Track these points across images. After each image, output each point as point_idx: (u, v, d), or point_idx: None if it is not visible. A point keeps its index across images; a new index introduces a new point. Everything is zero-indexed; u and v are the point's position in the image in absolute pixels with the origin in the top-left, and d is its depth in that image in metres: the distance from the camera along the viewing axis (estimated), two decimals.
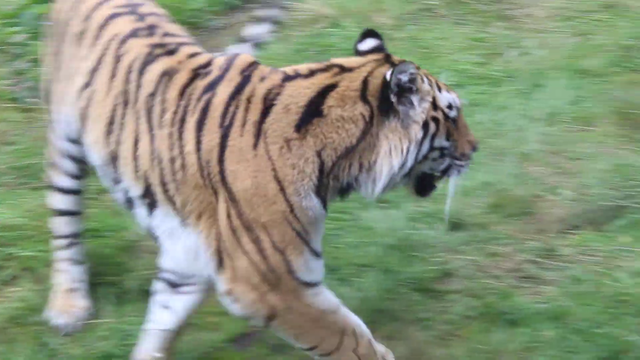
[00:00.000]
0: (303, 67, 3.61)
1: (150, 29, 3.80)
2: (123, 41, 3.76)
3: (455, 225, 4.94)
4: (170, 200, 3.62)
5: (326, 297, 3.67)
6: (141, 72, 3.68)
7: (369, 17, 6.93)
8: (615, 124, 5.81)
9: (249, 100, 3.51)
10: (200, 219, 3.59)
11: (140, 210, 3.75)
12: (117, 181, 3.77)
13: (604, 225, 4.95)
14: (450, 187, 3.72)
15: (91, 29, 3.88)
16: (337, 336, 3.68)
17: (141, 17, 3.86)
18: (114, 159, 3.73)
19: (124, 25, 3.82)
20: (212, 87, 3.55)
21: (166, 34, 3.80)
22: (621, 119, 5.82)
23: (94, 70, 3.80)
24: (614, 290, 4.49)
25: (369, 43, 3.72)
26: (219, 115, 3.50)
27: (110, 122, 3.72)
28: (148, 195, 3.68)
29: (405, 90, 3.50)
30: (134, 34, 3.78)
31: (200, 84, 3.58)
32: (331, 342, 3.68)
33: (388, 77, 3.49)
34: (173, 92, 3.60)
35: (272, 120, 3.47)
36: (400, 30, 6.90)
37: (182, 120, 3.55)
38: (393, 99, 3.50)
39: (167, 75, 3.63)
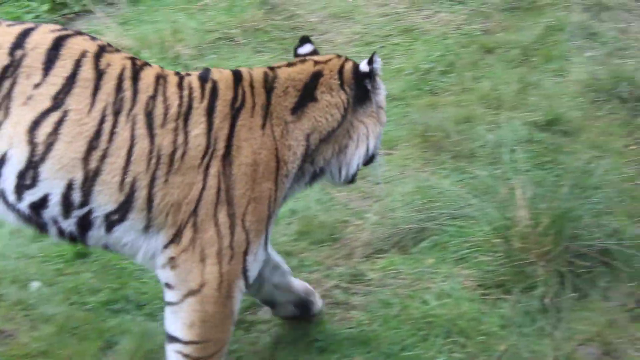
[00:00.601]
0: (279, 63, 4.09)
1: (110, 46, 3.87)
2: (96, 60, 3.74)
3: None
4: (148, 202, 3.71)
5: (238, 305, 3.88)
6: (135, 79, 3.74)
7: (170, 47, 6.86)
8: (416, 147, 5.97)
9: (252, 86, 3.88)
10: (172, 207, 3.74)
11: (97, 231, 3.76)
12: (75, 206, 3.71)
13: (409, 248, 5.05)
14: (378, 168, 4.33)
15: (35, 55, 3.69)
16: (220, 345, 3.89)
17: (91, 37, 3.89)
18: (90, 178, 3.68)
19: (85, 44, 3.77)
20: (206, 79, 3.86)
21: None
22: (422, 142, 5.98)
23: (61, 92, 3.67)
24: (421, 312, 4.57)
25: (308, 47, 4.23)
26: (230, 99, 3.81)
27: (95, 137, 3.67)
28: (122, 208, 3.71)
29: (376, 79, 4.08)
30: (103, 49, 3.80)
31: (192, 79, 3.85)
32: (214, 346, 3.87)
33: (365, 67, 4.04)
34: (172, 89, 3.78)
35: (275, 103, 3.89)
36: (200, 60, 6.86)
37: (189, 111, 3.76)
38: (369, 86, 4.05)
39: (161, 78, 3.79)
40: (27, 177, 3.68)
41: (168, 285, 3.81)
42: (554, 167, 5.60)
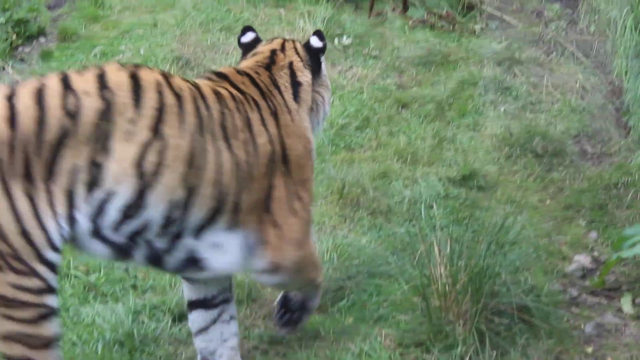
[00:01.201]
0: (252, 62, 4.48)
1: (165, 72, 4.10)
2: (170, 86, 3.93)
3: (180, 316, 4.86)
4: (235, 207, 4.04)
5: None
6: (203, 97, 4.01)
7: None
8: (333, 204, 5.99)
9: (269, 90, 4.33)
10: (248, 213, 4.10)
11: (187, 240, 3.99)
12: (173, 223, 3.92)
13: (327, 307, 5.01)
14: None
15: (123, 94, 3.81)
16: (318, 269, 4.52)
17: (149, 67, 4.11)
18: (189, 195, 3.92)
19: (153, 74, 3.96)
20: (241, 91, 4.22)
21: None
22: (339, 199, 6.00)
23: (156, 122, 3.83)
24: None
25: (250, 36, 4.64)
26: (266, 106, 4.23)
27: (192, 158, 3.91)
28: (213, 214, 4.00)
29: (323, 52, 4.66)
30: (167, 76, 4.01)
31: (234, 91, 4.17)
32: (317, 274, 4.49)
33: (318, 44, 4.60)
34: (230, 103, 4.10)
35: (286, 98, 4.39)
36: None
37: (248, 121, 4.12)
38: (322, 59, 4.66)
39: (217, 93, 4.08)
40: (132, 209, 3.83)
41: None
42: (471, 222, 5.66)
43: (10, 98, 3.66)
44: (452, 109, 7.20)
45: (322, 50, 4.63)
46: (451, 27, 8.59)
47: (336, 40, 8.13)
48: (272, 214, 4.18)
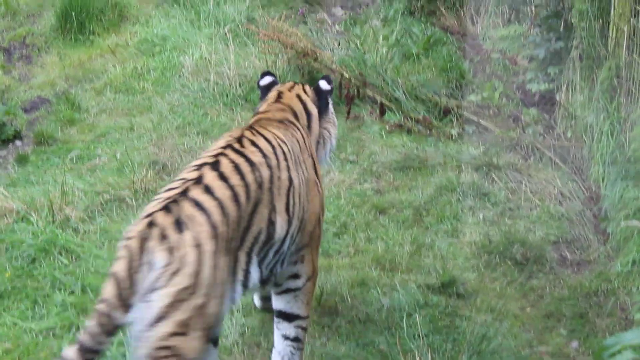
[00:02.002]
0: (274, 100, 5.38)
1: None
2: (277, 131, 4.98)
3: None
4: (301, 222, 4.93)
5: None
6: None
7: (58, 210, 6.76)
8: (311, 311, 5.95)
9: (295, 123, 5.22)
10: (304, 221, 4.97)
11: (286, 254, 4.92)
12: (288, 246, 4.83)
13: None
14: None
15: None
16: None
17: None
18: (294, 221, 4.81)
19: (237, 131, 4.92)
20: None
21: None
22: (317, 306, 5.96)
23: (289, 171, 4.79)
24: None
25: (268, 79, 5.53)
26: (302, 137, 5.17)
27: (290, 188, 4.78)
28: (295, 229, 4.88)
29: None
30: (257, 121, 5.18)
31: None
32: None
33: (327, 87, 5.51)
34: (296, 133, 5.13)
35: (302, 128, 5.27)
36: (90, 223, 6.79)
37: (300, 151, 5.03)
38: (330, 100, 5.58)
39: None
40: (280, 248, 4.73)
41: (296, 276, 5.09)
42: (451, 331, 5.65)
43: (223, 177, 4.40)
44: (430, 214, 7.24)
45: (330, 92, 5.52)
46: (428, 131, 8.68)
47: None
48: (311, 223, 5.11)
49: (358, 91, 8.99)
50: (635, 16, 7.47)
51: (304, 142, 5.11)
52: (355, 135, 8.58)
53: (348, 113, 8.80)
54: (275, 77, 5.60)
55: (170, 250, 4.01)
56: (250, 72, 9.13)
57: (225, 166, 4.45)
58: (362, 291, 6.19)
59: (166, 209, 4.15)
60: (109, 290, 3.99)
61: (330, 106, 5.57)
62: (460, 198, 7.41)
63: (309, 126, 5.31)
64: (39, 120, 8.99)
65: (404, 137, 8.55)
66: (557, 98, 8.72)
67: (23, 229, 6.50)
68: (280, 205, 4.62)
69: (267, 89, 5.48)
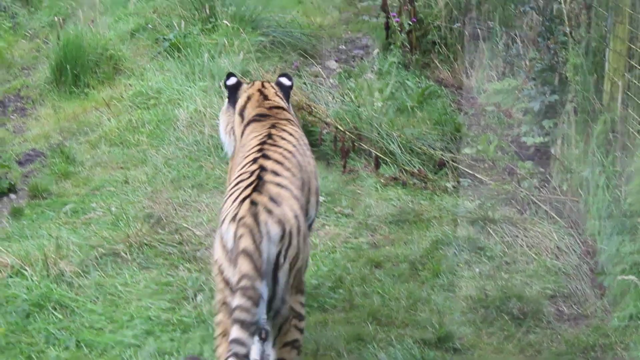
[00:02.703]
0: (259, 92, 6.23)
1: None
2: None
3: None
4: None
5: None
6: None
7: (53, 264, 6.78)
8: None
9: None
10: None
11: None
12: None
13: None
14: None
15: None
16: None
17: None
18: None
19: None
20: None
21: None
22: None
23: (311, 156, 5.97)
24: None
25: (233, 79, 6.27)
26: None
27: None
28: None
29: None
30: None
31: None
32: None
33: (288, 82, 6.41)
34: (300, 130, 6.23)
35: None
36: (84, 277, 6.80)
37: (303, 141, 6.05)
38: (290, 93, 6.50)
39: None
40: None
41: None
42: None
43: (278, 162, 5.42)
44: (426, 268, 7.27)
45: (290, 87, 6.43)
46: (423, 184, 8.75)
47: None
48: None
49: (353, 144, 9.06)
50: (629, 70, 7.57)
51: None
52: (350, 188, 8.63)
53: (344, 166, 8.87)
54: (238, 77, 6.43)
55: (280, 223, 4.91)
56: None
57: (274, 154, 5.37)
58: (358, 346, 6.21)
59: (257, 191, 4.99)
60: (245, 265, 4.72)
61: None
62: (456, 252, 7.44)
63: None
64: (33, 173, 9.05)
65: (399, 191, 8.61)
66: (553, 151, 8.80)
67: (17, 283, 6.54)
68: (313, 187, 5.72)
69: (234, 88, 6.26)
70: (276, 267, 4.89)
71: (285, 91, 6.34)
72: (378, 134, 9.14)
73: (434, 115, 9.75)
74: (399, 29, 10.95)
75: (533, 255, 7.49)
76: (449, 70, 11.06)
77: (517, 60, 10.24)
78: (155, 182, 8.55)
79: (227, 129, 6.26)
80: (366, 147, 9.10)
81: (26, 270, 6.67)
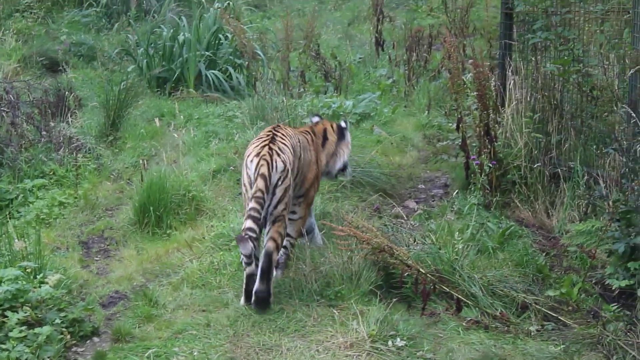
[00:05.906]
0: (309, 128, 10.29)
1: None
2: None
3: None
4: (304, 183, 9.86)
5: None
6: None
7: None
8: None
9: (312, 134, 10.09)
10: (304, 183, 9.76)
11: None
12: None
13: None
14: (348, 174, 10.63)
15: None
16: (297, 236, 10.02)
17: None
18: (300, 181, 9.83)
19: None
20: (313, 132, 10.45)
21: None
22: None
23: (301, 149, 9.73)
24: None
25: (316, 119, 10.33)
26: (311, 138, 10.05)
27: (305, 163, 9.81)
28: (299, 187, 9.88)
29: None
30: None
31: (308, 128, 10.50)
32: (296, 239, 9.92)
33: (343, 125, 10.20)
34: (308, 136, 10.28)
35: (316, 141, 9.99)
36: None
37: (304, 145, 10.01)
38: (346, 132, 10.25)
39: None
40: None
41: (294, 212, 9.47)
42: None
43: (283, 139, 9.35)
44: None
45: (345, 128, 10.20)
46: (506, 328, 8.81)
47: (390, 342, 8.36)
48: (307, 188, 9.68)
49: (434, 287, 9.20)
50: None
51: (312, 142, 9.78)
52: (431, 332, 8.73)
53: (423, 309, 9.00)
54: (321, 117, 10.68)
55: (284, 162, 8.88)
56: (326, 268, 9.41)
57: (279, 137, 9.14)
58: None
59: (272, 142, 9.01)
60: (261, 183, 8.61)
61: (348, 136, 10.33)
62: None
63: (323, 143, 10.05)
64: (116, 316, 9.34)
65: (482, 334, 8.68)
66: (639, 294, 8.81)
67: None
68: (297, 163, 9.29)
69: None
70: (275, 187, 8.77)
71: (340, 130, 10.23)
72: (459, 276, 9.27)
73: (516, 256, 9.87)
74: (478, 170, 11.16)
75: None
76: (529, 210, 11.21)
77: (600, 201, 10.35)
78: (237, 325, 8.76)
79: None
80: (447, 289, 9.22)
81: None
